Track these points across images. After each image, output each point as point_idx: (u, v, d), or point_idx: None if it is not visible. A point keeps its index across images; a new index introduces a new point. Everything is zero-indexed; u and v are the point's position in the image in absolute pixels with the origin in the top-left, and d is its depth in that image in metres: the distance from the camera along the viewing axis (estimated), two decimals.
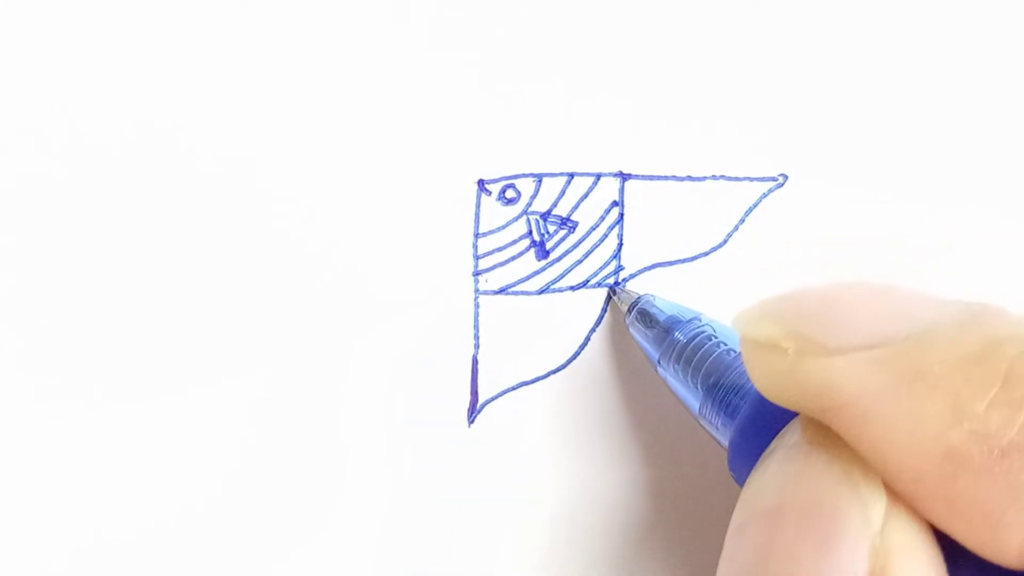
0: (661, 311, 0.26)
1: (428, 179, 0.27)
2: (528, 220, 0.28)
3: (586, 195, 0.28)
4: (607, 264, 0.28)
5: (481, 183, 0.27)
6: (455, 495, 0.27)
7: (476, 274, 0.27)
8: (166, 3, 0.27)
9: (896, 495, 0.16)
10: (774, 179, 0.28)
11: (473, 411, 0.27)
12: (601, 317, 0.28)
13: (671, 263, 0.28)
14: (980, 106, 0.28)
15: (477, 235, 0.27)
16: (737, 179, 0.28)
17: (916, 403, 0.16)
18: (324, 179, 0.27)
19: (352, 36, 0.27)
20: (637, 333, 0.26)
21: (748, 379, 0.21)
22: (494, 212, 0.27)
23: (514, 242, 0.27)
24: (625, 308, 0.27)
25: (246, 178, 0.27)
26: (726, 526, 0.18)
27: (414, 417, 0.27)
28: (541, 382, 0.27)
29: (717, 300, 0.28)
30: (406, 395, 0.27)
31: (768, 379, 0.18)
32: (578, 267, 0.28)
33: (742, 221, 0.28)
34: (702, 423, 0.23)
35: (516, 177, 0.28)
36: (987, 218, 0.28)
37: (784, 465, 0.17)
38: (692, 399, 0.24)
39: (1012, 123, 0.28)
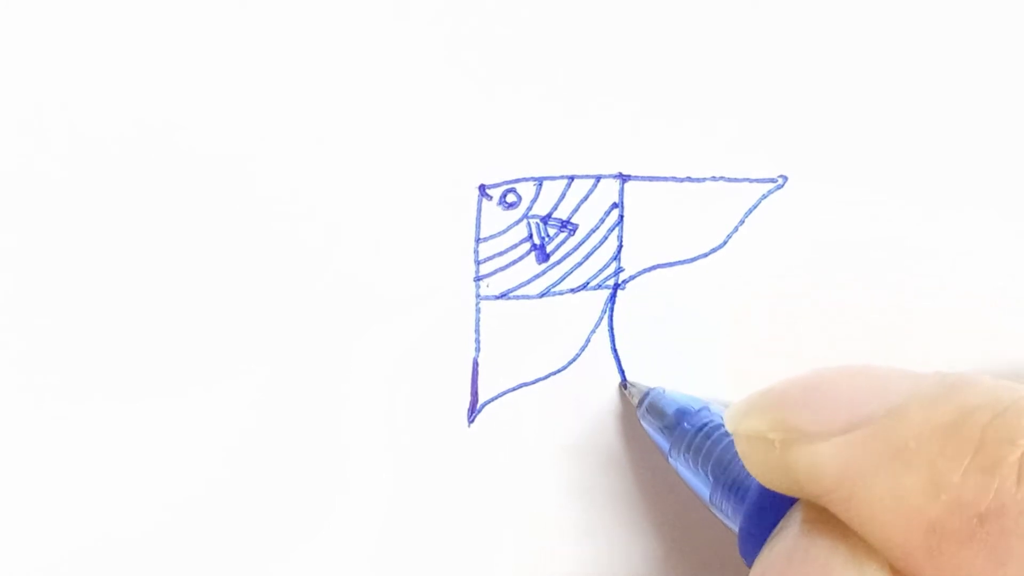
0: (670, 403, 0.26)
1: (429, 184, 0.27)
2: (529, 224, 0.28)
3: (586, 197, 0.28)
4: (607, 266, 0.28)
5: (482, 188, 0.27)
6: (454, 495, 0.27)
7: (477, 279, 0.27)
8: (165, 3, 0.27)
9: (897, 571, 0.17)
10: (774, 180, 0.28)
11: (473, 411, 0.27)
12: (601, 319, 0.28)
13: (671, 264, 0.28)
14: (980, 106, 0.28)
15: (478, 240, 0.27)
16: (737, 180, 0.28)
17: (896, 480, 0.16)
18: (324, 183, 0.27)
19: (352, 38, 0.27)
20: (648, 426, 0.27)
21: None
22: (495, 217, 0.27)
23: (515, 246, 0.27)
24: (635, 402, 0.27)
25: (246, 180, 0.27)
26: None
27: (414, 417, 0.27)
28: (541, 383, 0.27)
29: (717, 301, 0.28)
30: (406, 396, 0.27)
31: (762, 470, 0.19)
32: (578, 269, 0.28)
33: (742, 222, 0.28)
34: (713, 511, 0.24)
35: (516, 181, 0.27)
36: (987, 218, 0.28)
37: (790, 544, 0.18)
38: (703, 487, 0.24)
39: (1012, 123, 0.28)
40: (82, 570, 0.27)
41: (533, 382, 0.27)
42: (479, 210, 0.27)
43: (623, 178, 0.28)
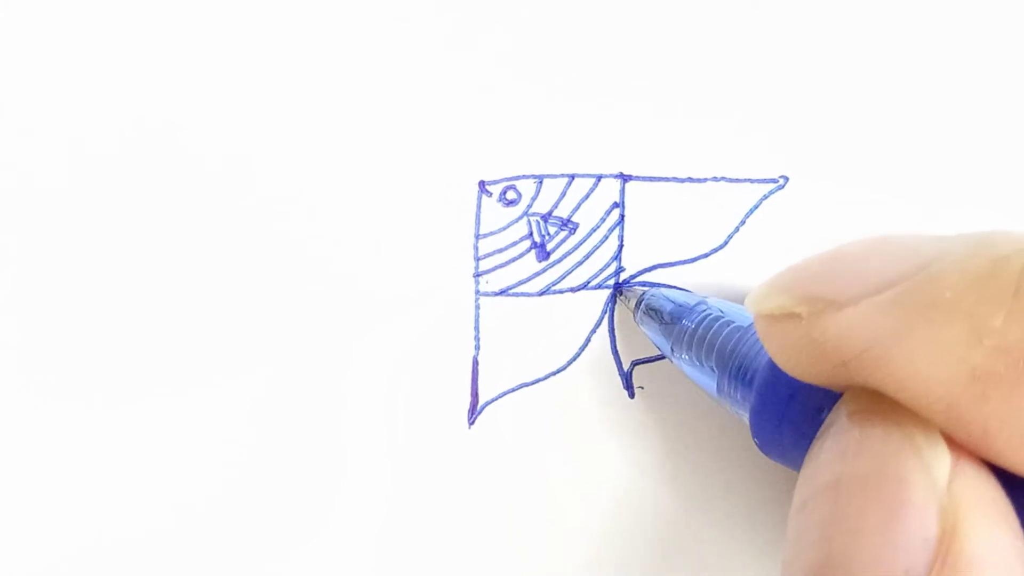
0: (667, 301, 0.26)
1: (429, 180, 0.27)
2: (529, 221, 0.28)
3: (587, 196, 0.28)
4: (608, 265, 0.28)
5: (482, 184, 0.27)
6: (455, 496, 0.27)
7: (477, 275, 0.27)
8: (167, 4, 0.27)
9: (955, 446, 0.16)
10: (775, 181, 0.28)
11: (473, 412, 0.27)
12: (601, 319, 0.28)
13: (672, 264, 0.28)
14: (980, 106, 0.28)
15: (478, 236, 0.27)
16: (738, 180, 0.28)
17: (934, 332, 0.16)
18: (324, 180, 0.27)
19: (353, 37, 0.27)
20: (647, 329, 0.26)
21: (761, 350, 0.21)
22: (495, 213, 0.27)
23: (515, 243, 0.27)
24: (632, 306, 0.27)
25: (246, 178, 0.27)
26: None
27: (414, 418, 0.27)
28: (541, 383, 0.27)
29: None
30: (406, 396, 0.27)
31: (786, 350, 0.18)
32: (579, 269, 0.28)
33: (743, 223, 0.28)
34: (722, 402, 0.23)
35: (517, 178, 0.28)
36: (987, 218, 0.28)
37: (841, 437, 0.17)
38: (708, 381, 0.24)
39: (1012, 123, 0.28)
40: (83, 570, 0.27)
41: (533, 382, 0.27)
42: (479, 206, 0.27)
43: (624, 178, 0.28)
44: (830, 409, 0.18)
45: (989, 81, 0.28)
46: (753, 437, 0.21)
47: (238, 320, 0.27)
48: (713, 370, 0.23)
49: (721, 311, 0.24)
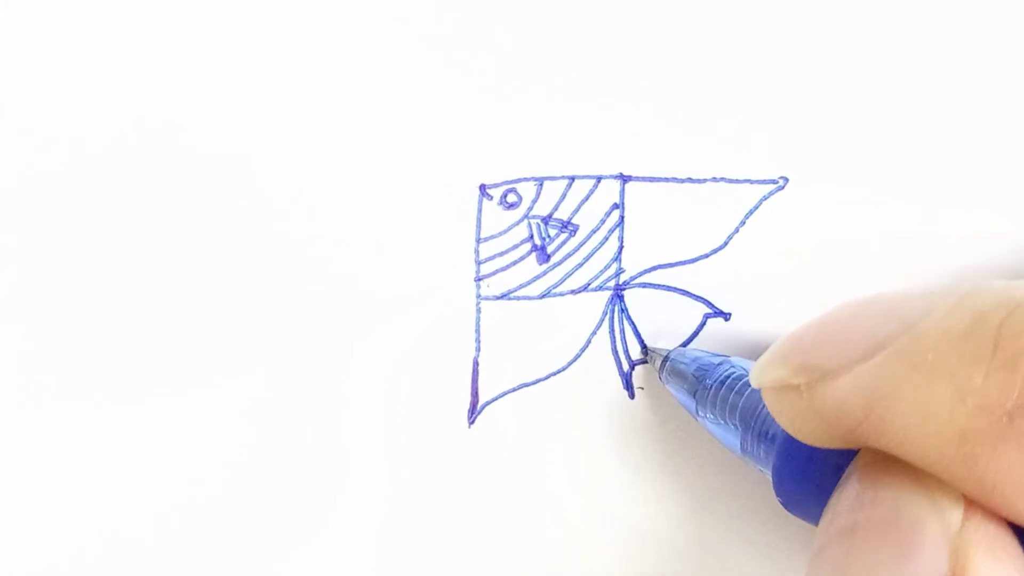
0: (690, 362, 0.26)
1: (430, 184, 0.27)
2: (529, 224, 0.28)
3: (587, 198, 0.28)
4: (608, 267, 0.28)
5: (482, 187, 0.27)
6: (455, 496, 0.27)
7: (478, 279, 0.27)
8: (167, 3, 0.27)
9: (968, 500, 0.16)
10: (775, 181, 0.28)
11: (473, 412, 0.27)
12: (602, 320, 0.28)
13: (672, 265, 0.28)
14: (980, 106, 0.28)
15: (479, 240, 0.27)
16: (738, 181, 0.28)
17: (921, 394, 0.16)
18: (325, 182, 0.27)
19: (353, 39, 0.27)
20: (673, 388, 0.26)
21: None
22: (495, 216, 0.27)
23: (515, 246, 0.27)
24: (656, 367, 0.27)
25: (247, 180, 0.27)
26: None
27: (414, 418, 0.27)
28: (541, 384, 0.27)
29: (718, 302, 0.28)
30: (406, 396, 0.27)
31: (793, 421, 0.18)
32: (579, 271, 0.28)
33: (743, 223, 0.28)
34: (747, 460, 0.24)
35: (517, 181, 0.27)
36: (987, 218, 0.28)
37: (858, 486, 0.17)
38: (732, 439, 0.24)
39: (1012, 123, 0.28)
40: (83, 570, 0.27)
41: (534, 383, 0.27)
42: (480, 210, 0.27)
43: (624, 179, 0.28)
44: (848, 465, 0.18)
45: (989, 81, 0.28)
46: (776, 495, 0.21)
47: (238, 320, 0.27)
48: (737, 428, 0.24)
49: (744, 369, 0.24)
